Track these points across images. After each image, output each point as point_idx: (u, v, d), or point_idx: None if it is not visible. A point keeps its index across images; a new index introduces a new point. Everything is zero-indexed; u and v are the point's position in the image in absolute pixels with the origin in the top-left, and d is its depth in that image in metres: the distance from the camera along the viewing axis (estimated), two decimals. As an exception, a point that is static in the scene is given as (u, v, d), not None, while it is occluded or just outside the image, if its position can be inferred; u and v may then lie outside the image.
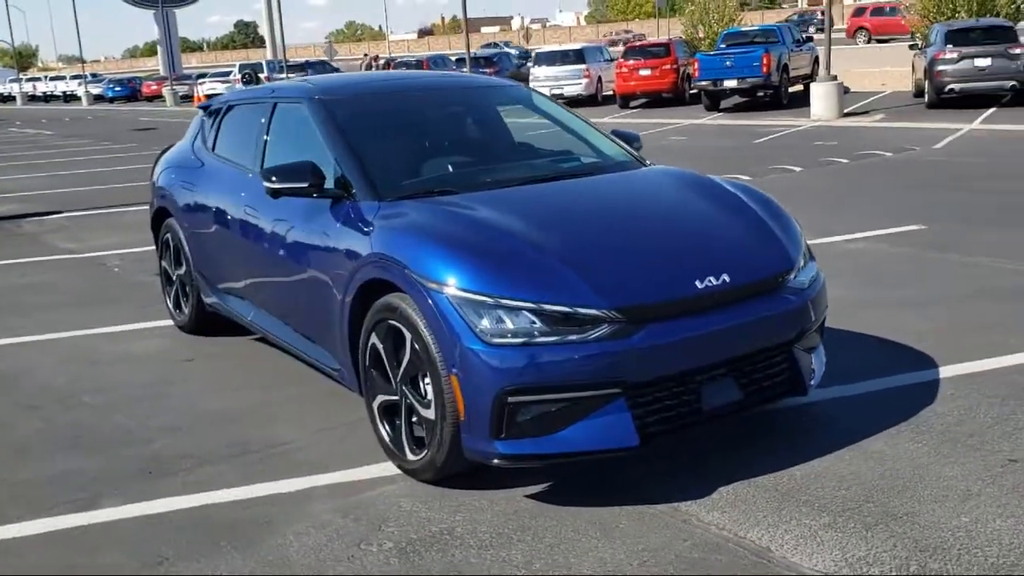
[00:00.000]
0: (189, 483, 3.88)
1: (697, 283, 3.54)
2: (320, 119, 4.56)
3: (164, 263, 6.20)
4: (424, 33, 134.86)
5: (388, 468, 3.89)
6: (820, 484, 3.56)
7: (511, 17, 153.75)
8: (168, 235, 6.02)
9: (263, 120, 5.11)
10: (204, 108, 6.12)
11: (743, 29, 24.70)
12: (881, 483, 3.54)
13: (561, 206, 4.06)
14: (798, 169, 12.31)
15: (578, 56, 26.78)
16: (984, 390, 4.36)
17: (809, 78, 23.89)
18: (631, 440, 3.37)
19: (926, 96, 19.06)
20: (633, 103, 25.42)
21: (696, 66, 21.94)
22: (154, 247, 6.45)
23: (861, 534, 3.19)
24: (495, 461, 3.44)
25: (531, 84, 27.22)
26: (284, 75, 37.45)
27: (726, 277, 3.60)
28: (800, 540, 3.18)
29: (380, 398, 3.90)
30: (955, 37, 18.55)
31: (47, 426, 4.64)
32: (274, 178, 4.21)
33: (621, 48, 30.63)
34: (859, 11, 42.58)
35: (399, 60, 37.53)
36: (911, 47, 21.76)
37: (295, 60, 42.08)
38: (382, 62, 35.30)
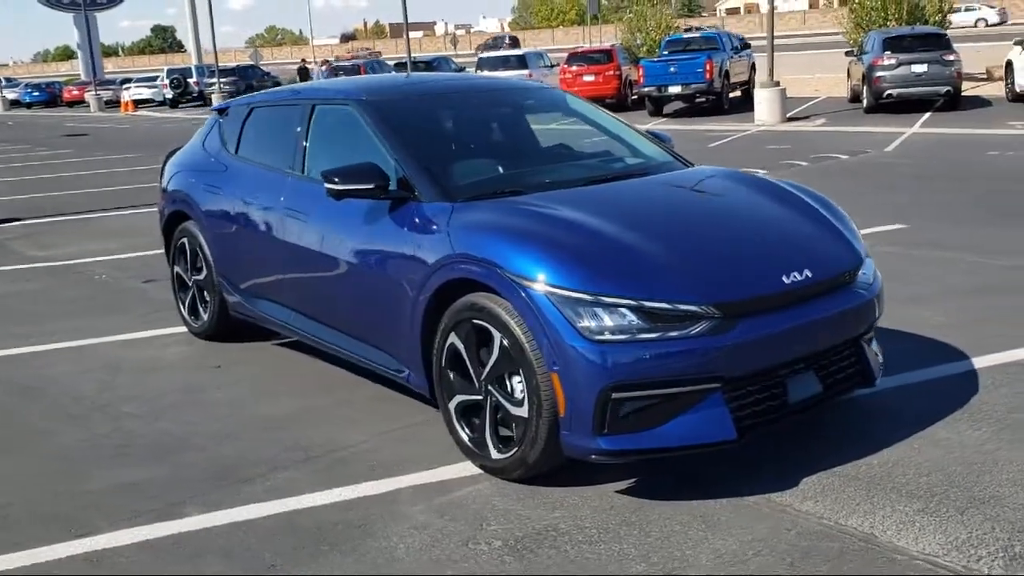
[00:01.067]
0: (267, 489, 3.81)
1: (784, 279, 3.63)
2: (373, 121, 4.53)
3: (178, 268, 6.06)
4: (347, 38, 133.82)
5: (467, 468, 3.89)
6: (900, 472, 3.67)
7: (434, 23, 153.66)
8: (184, 240, 5.89)
9: (300, 122, 5.05)
10: (220, 111, 6.01)
11: (685, 36, 25.16)
12: (958, 469, 3.67)
13: (636, 205, 4.11)
14: (763, 171, 12.59)
15: (520, 61, 26.91)
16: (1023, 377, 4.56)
17: (747, 84, 24.47)
18: (729, 433, 3.44)
19: (864, 101, 19.67)
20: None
21: (641, 72, 22.25)
22: (132, 254, 6.32)
23: (957, 518, 3.31)
24: (593, 457, 3.47)
25: (473, 89, 27.26)
26: (216, 80, 36.78)
27: (808, 273, 3.70)
28: (901, 526, 3.28)
29: (458, 398, 3.89)
30: (892, 44, 19.19)
31: (93, 435, 4.50)
32: (336, 179, 4.18)
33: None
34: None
35: (336, 65, 37.21)
36: (847, 54, 22.43)
37: (225, 65, 41.28)
38: (324, 68, 34.91)
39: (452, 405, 3.93)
